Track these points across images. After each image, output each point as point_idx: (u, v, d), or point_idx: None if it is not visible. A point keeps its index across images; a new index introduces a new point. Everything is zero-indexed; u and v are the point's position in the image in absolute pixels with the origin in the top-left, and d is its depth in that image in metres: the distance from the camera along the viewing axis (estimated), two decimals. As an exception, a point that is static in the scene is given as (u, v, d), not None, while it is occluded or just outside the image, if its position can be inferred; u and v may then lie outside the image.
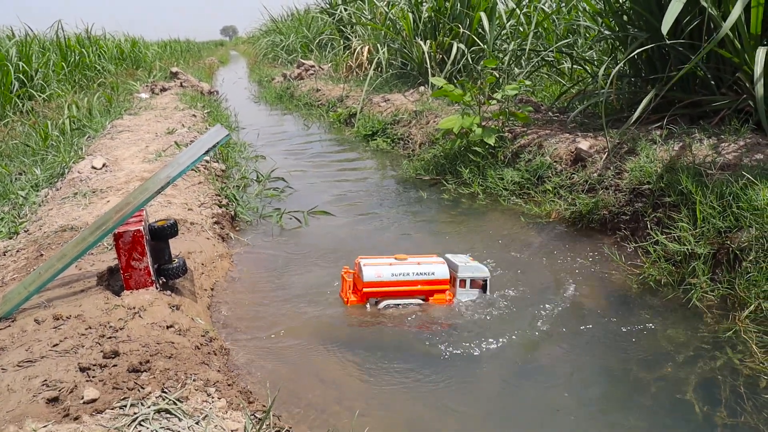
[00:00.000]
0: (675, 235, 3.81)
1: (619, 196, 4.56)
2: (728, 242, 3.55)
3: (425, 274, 3.53)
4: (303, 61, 16.07)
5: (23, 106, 10.66)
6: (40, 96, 11.06)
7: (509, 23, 9.33)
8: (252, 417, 2.24)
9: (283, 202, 5.67)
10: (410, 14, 10.45)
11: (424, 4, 10.58)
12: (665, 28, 4.18)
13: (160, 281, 3.10)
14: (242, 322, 3.38)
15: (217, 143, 3.06)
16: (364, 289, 3.46)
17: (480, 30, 9.49)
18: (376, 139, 8.11)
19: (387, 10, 11.57)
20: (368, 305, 3.51)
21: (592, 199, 4.67)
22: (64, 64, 13.70)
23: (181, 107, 10.43)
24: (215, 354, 2.77)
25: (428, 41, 9.77)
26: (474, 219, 5.08)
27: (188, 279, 3.46)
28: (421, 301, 3.56)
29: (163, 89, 14.19)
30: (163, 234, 3.08)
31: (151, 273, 2.97)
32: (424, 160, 6.52)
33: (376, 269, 3.48)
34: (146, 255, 2.91)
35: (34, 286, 2.95)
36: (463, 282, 3.58)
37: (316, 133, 9.75)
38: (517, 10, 9.28)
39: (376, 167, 7.11)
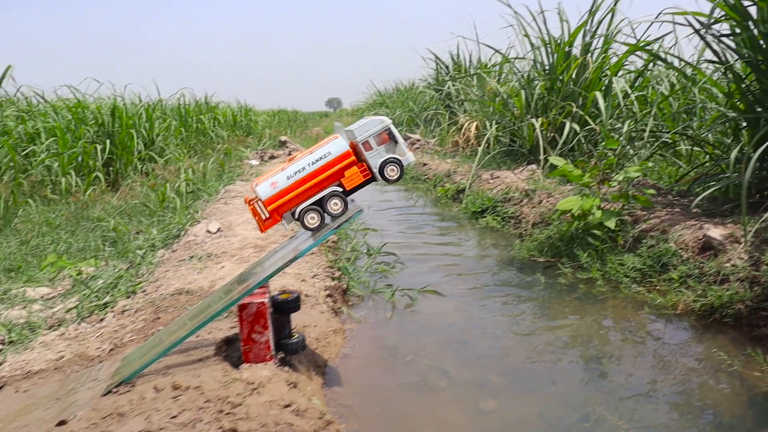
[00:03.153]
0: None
1: (757, 289, 4.25)
2: None
3: (322, 158, 3.11)
4: (409, 134, 16.25)
5: (143, 168, 11.15)
6: (160, 159, 11.52)
7: (624, 104, 9.14)
8: None
9: (393, 277, 5.59)
10: (522, 91, 10.41)
11: (536, 81, 10.53)
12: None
13: (279, 356, 3.03)
14: (355, 405, 3.27)
15: (350, 218, 3.01)
16: (268, 207, 3.09)
17: (594, 110, 9.34)
18: (485, 217, 7.97)
19: (498, 87, 11.57)
20: (285, 223, 3.17)
21: (726, 291, 4.37)
22: (183, 129, 14.32)
23: (291, 176, 10.62)
24: (333, 439, 2.65)
25: (539, 119, 9.67)
26: (593, 306, 4.84)
27: (305, 354, 3.39)
28: (339, 188, 3.14)
29: (272, 157, 14.62)
30: (286, 307, 3.03)
31: (271, 347, 2.91)
32: (538, 241, 6.32)
33: (269, 181, 3.11)
34: (268, 328, 2.86)
35: (155, 352, 2.93)
36: (366, 144, 3.16)
37: (423, 207, 9.72)
38: (630, 92, 9.09)
39: (486, 246, 6.96)
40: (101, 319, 4.38)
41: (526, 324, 4.53)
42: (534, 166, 9.33)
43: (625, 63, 9.80)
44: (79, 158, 9.85)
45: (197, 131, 15.76)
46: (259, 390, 2.71)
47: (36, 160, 9.41)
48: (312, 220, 3.11)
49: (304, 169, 3.09)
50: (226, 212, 7.12)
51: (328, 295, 4.58)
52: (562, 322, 4.56)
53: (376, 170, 3.16)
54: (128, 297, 4.75)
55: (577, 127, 9.10)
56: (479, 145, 12.43)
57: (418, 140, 15.52)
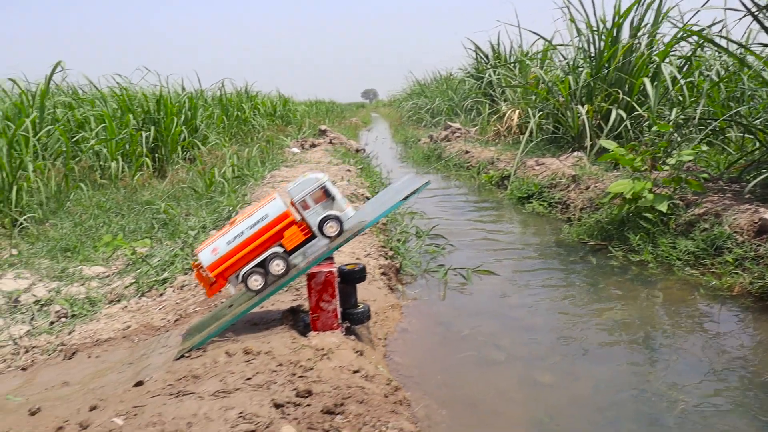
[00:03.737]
0: None
1: (816, 272, 4.20)
2: None
3: (260, 221, 3.09)
4: (450, 123, 16.23)
5: (187, 155, 11.32)
6: (203, 146, 11.67)
7: (672, 90, 9.03)
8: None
9: (443, 258, 5.62)
10: (569, 77, 10.35)
11: (582, 68, 10.45)
12: None
13: (344, 325, 3.08)
14: (416, 375, 3.32)
15: (418, 189, 3.04)
16: (212, 273, 3.08)
17: (640, 96, 9.25)
18: (531, 202, 7.96)
19: (543, 74, 11.50)
20: (231, 286, 3.15)
21: (784, 273, 4.32)
22: (224, 117, 14.47)
23: (335, 162, 10.74)
24: (401, 404, 2.69)
25: (585, 106, 9.60)
26: (645, 287, 4.82)
27: (365, 326, 3.43)
28: (280, 248, 3.12)
29: (313, 145, 14.70)
30: (352, 277, 3.07)
31: (338, 316, 2.96)
32: (587, 225, 6.30)
33: (211, 247, 3.11)
34: (336, 297, 2.91)
35: (224, 320, 3.01)
36: (304, 203, 3.12)
37: (468, 193, 9.74)
38: (679, 77, 8.97)
39: (534, 230, 6.96)
40: (161, 294, 4.49)
41: (579, 303, 4.54)
42: (579, 153, 9.27)
43: (672, 50, 9.68)
44: (126, 145, 10.03)
45: (238, 120, 15.93)
46: (328, 356, 2.76)
47: (85, 147, 9.61)
48: (255, 282, 3.12)
49: (243, 233, 3.10)
50: (275, 195, 7.21)
51: (383, 273, 4.63)
52: (614, 302, 4.56)
53: (315, 228, 3.15)
54: (185, 273, 4.86)
55: (623, 114, 9.02)
56: (521, 134, 12.40)
57: (459, 129, 15.48)
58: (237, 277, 3.11)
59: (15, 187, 6.89)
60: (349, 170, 9.60)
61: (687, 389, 3.19)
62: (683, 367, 3.46)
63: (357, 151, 14.51)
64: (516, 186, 8.63)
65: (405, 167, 13.26)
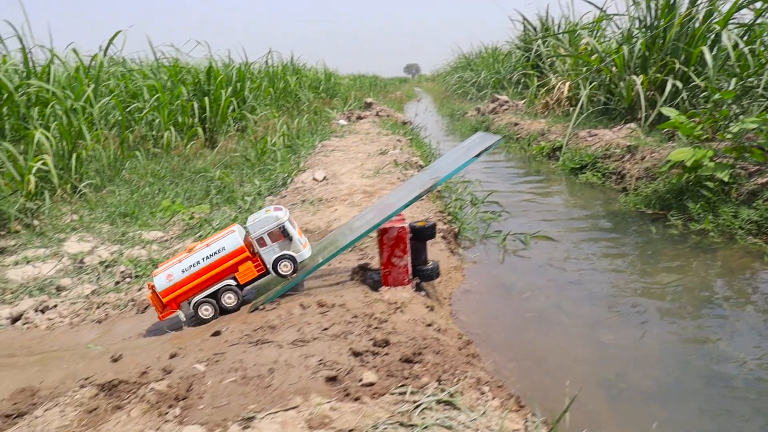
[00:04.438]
0: None
1: None
2: None
3: (216, 253, 3.15)
4: (497, 96, 16.09)
5: (236, 125, 11.43)
6: (253, 117, 11.76)
7: (732, 59, 8.80)
8: (527, 420, 2.15)
9: (499, 224, 5.62)
10: (624, 47, 10.16)
11: (636, 38, 10.25)
12: None
13: (415, 281, 3.11)
14: (482, 333, 3.35)
15: (491, 146, 3.04)
16: (164, 298, 3.15)
17: (698, 66, 9.04)
18: (584, 173, 7.88)
19: (596, 44, 11.32)
20: (183, 313, 3.18)
21: None
22: (271, 89, 14.54)
23: (384, 132, 10.75)
24: (473, 357, 2.72)
25: (639, 77, 9.42)
26: (706, 255, 4.76)
27: (431, 285, 3.46)
28: (233, 281, 3.17)
29: (359, 117, 14.72)
30: (423, 234, 3.10)
31: (409, 272, 2.99)
32: (644, 195, 6.22)
33: (167, 273, 3.16)
34: (408, 253, 2.93)
35: (296, 275, 3.05)
36: (261, 241, 3.16)
37: (518, 164, 9.69)
38: (742, 44, 8.73)
39: (588, 199, 6.89)
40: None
41: (639, 269, 4.51)
42: (632, 125, 9.12)
43: (732, 18, 9.42)
44: (178, 116, 10.16)
45: (284, 92, 15.99)
46: (402, 309, 2.80)
47: (138, 117, 9.77)
48: (206, 311, 3.15)
49: (198, 263, 3.14)
50: (328, 163, 7.26)
51: (443, 237, 4.64)
52: (675, 268, 4.52)
53: (269, 266, 3.19)
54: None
55: (679, 84, 8.84)
56: (571, 106, 12.24)
57: (507, 102, 15.34)
58: (189, 303, 3.17)
59: (74, 155, 7.04)
60: (399, 140, 9.61)
61: (752, 351, 3.17)
62: (747, 330, 3.43)
63: (404, 123, 14.48)
64: (568, 157, 8.55)
65: (453, 139, 13.19)
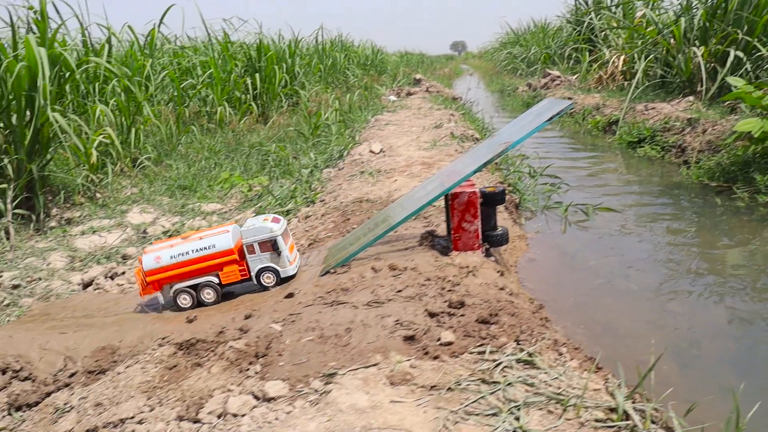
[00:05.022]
0: None
1: None
2: None
3: (206, 248, 3.14)
4: (549, 71, 15.86)
5: (287, 101, 11.50)
6: (305, 92, 11.82)
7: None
8: (607, 380, 2.13)
9: (558, 196, 5.56)
10: (681, 19, 9.91)
11: (696, 9, 9.98)
12: None
13: (484, 246, 3.09)
14: (551, 300, 3.35)
15: (562, 110, 3.01)
16: (147, 278, 3.15)
17: (762, 37, 8.77)
18: (642, 147, 7.73)
19: (653, 16, 11.06)
20: (161, 295, 3.19)
21: None
22: (321, 66, 14.58)
23: (436, 107, 10.72)
24: (546, 320, 2.70)
25: (700, 48, 9.19)
26: (775, 227, 4.64)
27: (498, 252, 3.44)
28: (215, 279, 3.16)
29: (409, 93, 14.67)
30: (493, 199, 3.07)
31: (479, 237, 2.97)
32: (707, 167, 6.09)
33: (156, 254, 3.15)
34: (478, 218, 2.92)
35: (367, 239, 3.07)
36: (251, 248, 3.15)
37: (574, 138, 9.57)
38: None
39: (648, 172, 6.78)
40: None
41: (705, 240, 4.44)
42: (692, 98, 8.91)
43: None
44: (233, 91, 10.27)
45: (332, 68, 16.02)
46: (474, 273, 2.79)
47: (192, 93, 9.90)
48: (184, 300, 3.16)
49: (187, 253, 3.15)
50: (384, 137, 7.26)
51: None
52: (742, 240, 4.43)
53: (253, 274, 3.19)
54: (307, 205, 4.98)
55: (741, 55, 8.59)
56: (625, 80, 11.99)
57: (558, 77, 15.13)
58: (171, 287, 3.19)
59: (133, 130, 7.17)
60: (452, 114, 9.56)
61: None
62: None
63: (454, 99, 14.38)
64: (625, 131, 8.40)
65: (504, 114, 13.07)
